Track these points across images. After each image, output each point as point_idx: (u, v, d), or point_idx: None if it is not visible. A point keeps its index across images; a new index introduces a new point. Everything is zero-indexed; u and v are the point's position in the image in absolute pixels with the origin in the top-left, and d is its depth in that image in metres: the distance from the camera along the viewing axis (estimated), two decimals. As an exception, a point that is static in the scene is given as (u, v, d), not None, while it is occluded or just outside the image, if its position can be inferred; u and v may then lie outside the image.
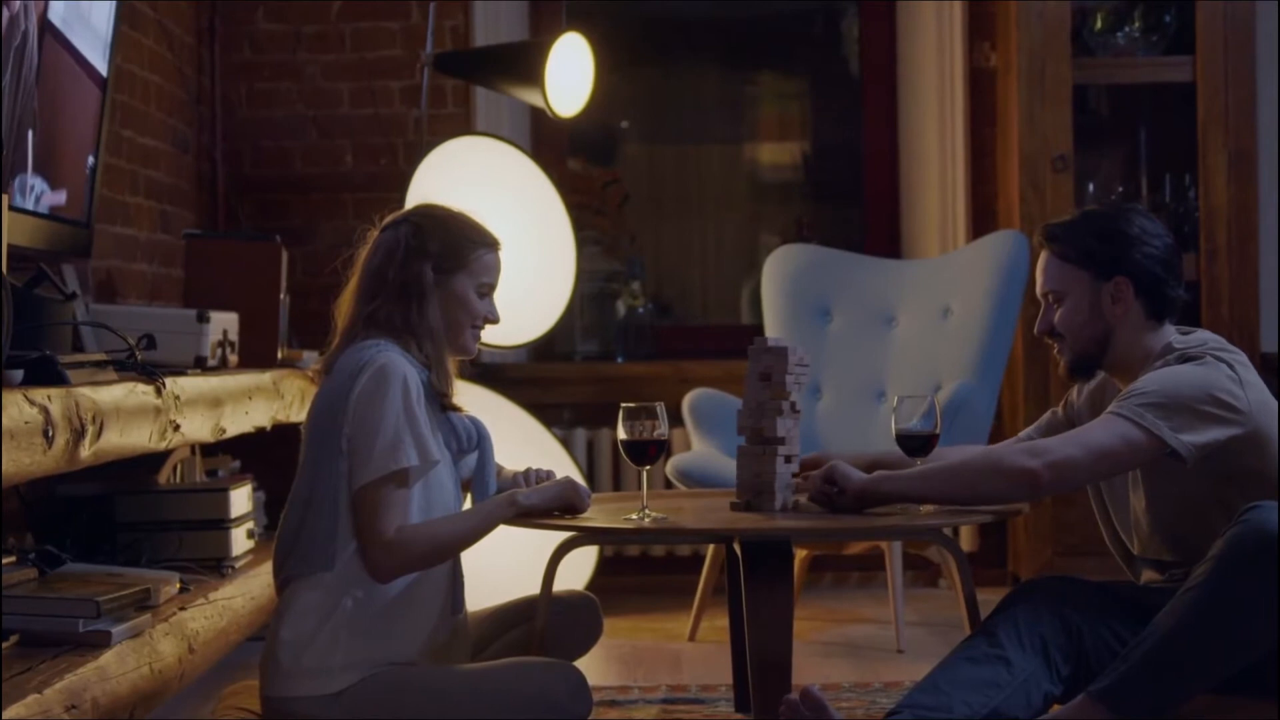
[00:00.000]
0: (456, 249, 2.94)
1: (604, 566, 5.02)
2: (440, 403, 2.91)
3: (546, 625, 3.03)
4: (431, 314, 2.90)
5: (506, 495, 2.94)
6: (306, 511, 2.82)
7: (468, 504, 3.01)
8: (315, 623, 2.78)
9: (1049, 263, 3.08)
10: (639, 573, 5.36)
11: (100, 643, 2.78)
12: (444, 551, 2.87)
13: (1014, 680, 2.79)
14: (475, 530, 2.88)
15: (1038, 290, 3.11)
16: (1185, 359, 2.94)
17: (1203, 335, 3.03)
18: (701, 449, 4.65)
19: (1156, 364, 2.97)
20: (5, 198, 2.90)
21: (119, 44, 3.73)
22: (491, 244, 2.99)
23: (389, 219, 2.99)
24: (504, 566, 4.32)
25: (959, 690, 2.77)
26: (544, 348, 5.42)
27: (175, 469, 3.91)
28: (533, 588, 3.12)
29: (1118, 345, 3.03)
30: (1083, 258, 3.04)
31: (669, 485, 4.58)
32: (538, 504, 2.96)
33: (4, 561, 3.02)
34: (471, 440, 2.96)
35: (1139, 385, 2.91)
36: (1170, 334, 3.04)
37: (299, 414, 3.95)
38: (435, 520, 2.85)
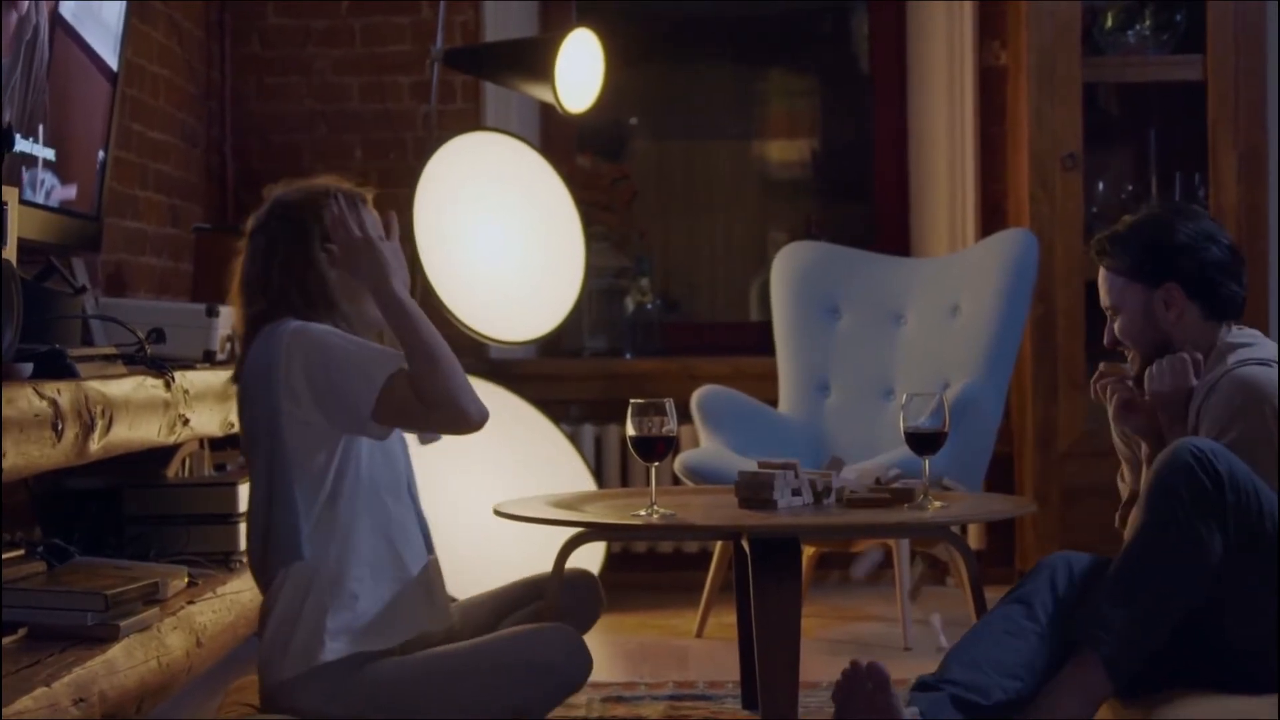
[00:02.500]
0: None
1: (611, 563, 5.02)
2: None
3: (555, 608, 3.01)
4: (334, 286, 2.84)
5: (391, 301, 2.80)
6: (270, 511, 2.81)
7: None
8: (299, 605, 2.77)
9: (1104, 277, 3.09)
10: (647, 569, 5.36)
11: (108, 636, 2.79)
12: (442, 346, 2.77)
13: (1048, 656, 2.83)
14: (421, 319, 2.78)
15: (1101, 305, 3.13)
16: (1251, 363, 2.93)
17: (1254, 332, 3.05)
18: (710, 446, 4.65)
19: (1216, 370, 2.96)
20: (15, 191, 2.90)
21: (129, 38, 3.73)
22: (362, 201, 2.91)
23: (253, 224, 2.90)
24: (512, 564, 4.32)
25: (997, 672, 2.80)
26: (552, 344, 5.42)
27: (184, 463, 3.91)
28: (540, 584, 3.12)
29: (1178, 348, 3.03)
30: (1132, 269, 3.05)
31: (677, 482, 4.58)
32: (394, 273, 2.82)
33: (13, 555, 3.02)
34: None
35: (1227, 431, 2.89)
36: (1230, 332, 3.05)
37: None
38: (419, 368, 2.74)
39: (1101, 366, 3.10)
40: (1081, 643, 2.80)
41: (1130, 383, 3.05)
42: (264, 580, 2.85)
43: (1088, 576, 2.92)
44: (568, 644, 2.84)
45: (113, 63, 3.60)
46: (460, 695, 2.78)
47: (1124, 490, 3.15)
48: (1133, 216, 3.11)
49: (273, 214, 2.89)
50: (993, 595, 3.16)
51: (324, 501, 2.79)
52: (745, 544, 3.12)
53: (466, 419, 2.77)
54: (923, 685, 2.81)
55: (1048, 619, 2.86)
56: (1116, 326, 3.08)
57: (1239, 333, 3.03)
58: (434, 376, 2.73)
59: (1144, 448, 3.06)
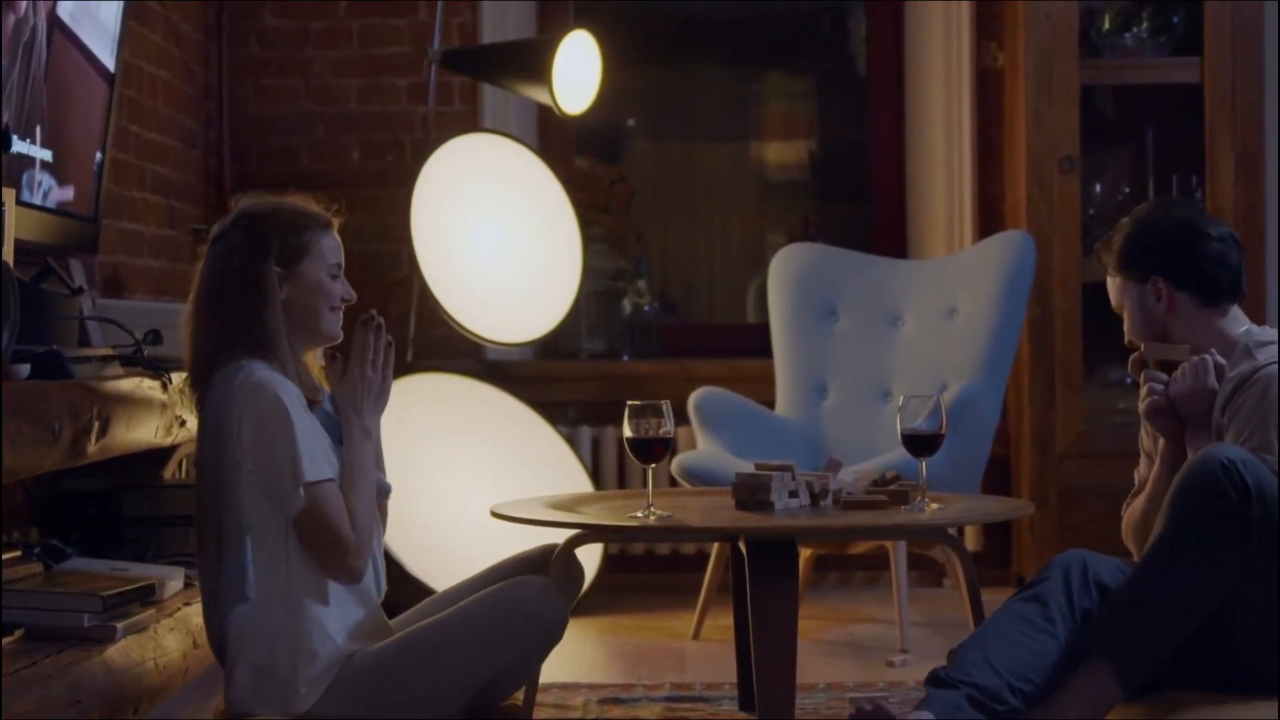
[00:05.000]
0: (296, 239, 2.85)
1: (609, 564, 5.03)
2: (309, 400, 2.84)
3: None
4: (278, 318, 2.82)
5: (355, 431, 2.85)
6: (222, 550, 2.77)
7: None
8: (268, 657, 2.76)
9: (1108, 280, 3.15)
10: (644, 571, 5.36)
11: (105, 638, 2.79)
12: (374, 515, 2.85)
13: (1060, 653, 2.83)
14: (372, 481, 2.84)
15: (1112, 307, 3.18)
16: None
17: (1275, 331, 3.06)
18: (707, 448, 4.65)
19: (1243, 365, 2.97)
20: (13, 192, 2.91)
21: (127, 40, 3.73)
22: (327, 224, 2.90)
23: (216, 231, 2.87)
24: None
25: (1011, 674, 2.80)
26: (550, 345, 5.42)
27: (180, 464, 3.91)
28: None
29: (1180, 339, 3.05)
30: (1122, 268, 3.10)
31: (674, 484, 4.58)
32: (371, 414, 2.88)
33: (11, 556, 3.02)
34: None
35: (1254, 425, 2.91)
36: (1242, 320, 3.06)
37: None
38: (349, 498, 2.79)
39: (1144, 347, 3.10)
40: (1094, 650, 2.80)
41: (1164, 385, 3.05)
42: (218, 636, 2.81)
43: (1106, 581, 2.91)
44: (545, 592, 2.85)
45: (110, 64, 3.60)
46: (449, 662, 2.77)
47: (1137, 480, 3.16)
48: (1128, 217, 3.15)
49: (236, 224, 2.86)
50: (990, 597, 3.16)
51: (282, 545, 2.76)
52: (742, 546, 3.12)
53: (352, 572, 2.78)
54: (937, 680, 2.81)
55: (1063, 619, 2.86)
56: (1125, 325, 3.12)
57: (1260, 330, 3.05)
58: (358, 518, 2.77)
59: (1161, 443, 3.07)
